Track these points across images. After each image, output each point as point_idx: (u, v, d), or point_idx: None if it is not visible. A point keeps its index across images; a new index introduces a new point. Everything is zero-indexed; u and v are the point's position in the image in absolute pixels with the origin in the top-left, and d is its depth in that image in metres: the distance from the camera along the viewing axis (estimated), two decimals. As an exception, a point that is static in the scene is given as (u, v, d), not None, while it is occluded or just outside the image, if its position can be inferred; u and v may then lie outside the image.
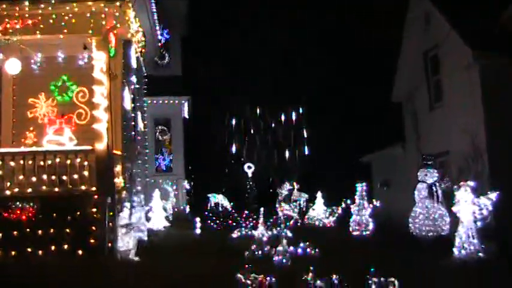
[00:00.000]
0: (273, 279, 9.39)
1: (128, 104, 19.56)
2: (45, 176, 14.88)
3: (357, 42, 33.26)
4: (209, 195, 26.99)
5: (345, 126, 33.31)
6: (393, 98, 25.22)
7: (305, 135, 29.97)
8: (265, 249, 14.16)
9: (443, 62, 22.01)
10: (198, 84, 30.97)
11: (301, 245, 14.34)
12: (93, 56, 15.27)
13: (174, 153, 28.09)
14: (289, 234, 18.35)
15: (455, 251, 14.43)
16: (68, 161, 15.09)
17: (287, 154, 31.59)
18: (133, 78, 21.12)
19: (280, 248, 13.45)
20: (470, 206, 14.46)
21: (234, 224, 21.65)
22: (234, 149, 29.85)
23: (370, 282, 9.39)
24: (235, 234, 19.07)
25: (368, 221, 20.60)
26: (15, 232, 14.38)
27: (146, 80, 26.06)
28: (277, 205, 24.90)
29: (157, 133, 28.00)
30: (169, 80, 27.41)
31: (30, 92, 17.69)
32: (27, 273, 12.77)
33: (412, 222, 18.48)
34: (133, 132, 20.73)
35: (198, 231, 20.40)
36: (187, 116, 30.44)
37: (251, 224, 20.84)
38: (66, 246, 14.38)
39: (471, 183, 14.67)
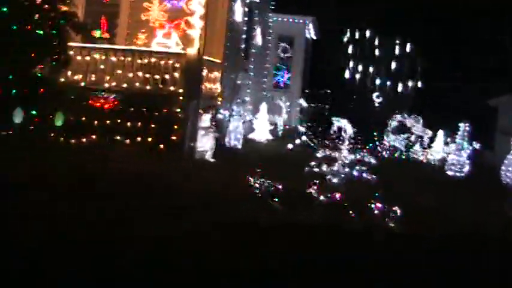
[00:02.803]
0: (280, 186, 10.02)
1: (239, 17, 20.33)
2: (140, 73, 16.27)
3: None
4: (334, 118, 27.40)
5: (473, 66, 31.73)
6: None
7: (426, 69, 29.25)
8: (323, 168, 14.59)
9: None
10: (325, 5, 30.82)
11: (357, 168, 14.62)
12: (194, -35, 16.01)
13: (293, 71, 28.62)
14: (373, 160, 18.51)
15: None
16: (163, 63, 16.33)
17: (408, 85, 31.07)
18: (252, -8, 21.79)
19: (335, 168, 13.89)
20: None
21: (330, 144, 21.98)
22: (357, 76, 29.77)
23: (372, 206, 9.68)
24: (319, 154, 19.55)
25: (464, 162, 20.10)
26: (107, 121, 15.97)
27: (274, -4, 26.62)
28: (384, 135, 24.98)
29: (279, 50, 28.59)
30: (296, -2, 27.74)
31: (146, -5, 18.95)
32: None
33: (503, 170, 17.95)
34: (243, 45, 21.57)
35: (290, 146, 21.07)
36: (314, 37, 30.60)
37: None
38: (150, 139, 15.78)
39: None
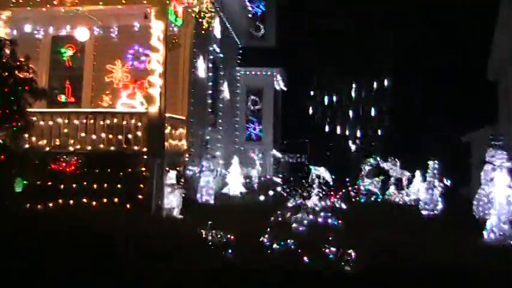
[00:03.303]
0: (231, 237, 10.00)
1: (202, 73, 20.57)
2: (103, 135, 16.33)
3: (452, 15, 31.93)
4: (311, 167, 27.47)
5: (442, 105, 32.23)
6: (488, 75, 24.08)
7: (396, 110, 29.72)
8: (288, 216, 14.58)
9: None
10: (292, 56, 31.38)
11: (322, 214, 14.61)
12: (151, 25, 16.19)
13: (264, 122, 28.83)
14: (344, 206, 18.57)
15: (485, 234, 13.96)
16: (125, 122, 16.42)
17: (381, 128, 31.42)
18: (216, 48, 22.08)
19: (299, 215, 13.89)
20: (505, 189, 13.91)
21: (305, 193, 21.93)
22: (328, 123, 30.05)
23: (327, 251, 9.63)
24: (290, 204, 19.50)
25: (437, 200, 20.12)
26: (74, 185, 15.91)
27: (240, 51, 26.99)
28: (359, 180, 25.04)
29: (249, 103, 28.85)
30: (263, 51, 28.04)
31: (108, 58, 19.24)
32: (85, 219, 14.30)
33: (475, 205, 17.92)
34: (209, 100, 21.76)
35: (262, 197, 21.04)
36: (283, 88, 30.97)
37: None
38: (116, 200, 15.71)
39: (508, 163, 14.07)
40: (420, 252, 11.26)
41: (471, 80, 29.13)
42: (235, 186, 22.57)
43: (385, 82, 33.23)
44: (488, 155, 17.70)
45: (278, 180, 27.15)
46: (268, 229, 10.63)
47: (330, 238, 9.88)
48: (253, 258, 9.30)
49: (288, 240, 10.00)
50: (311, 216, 14.31)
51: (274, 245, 9.88)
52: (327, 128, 34.06)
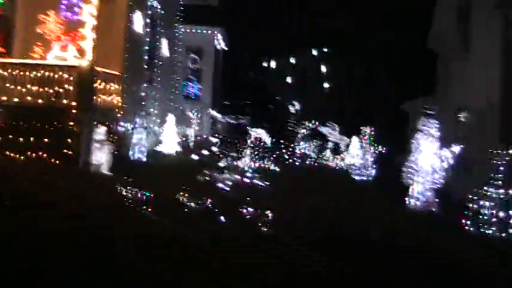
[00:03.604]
0: (148, 194, 9.92)
1: (139, 28, 20.10)
2: (31, 87, 15.78)
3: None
4: (250, 129, 27.45)
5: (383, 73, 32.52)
6: (429, 44, 24.22)
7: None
8: (214, 175, 14.53)
9: (473, 8, 20.82)
10: (234, 16, 31.03)
11: (249, 175, 14.63)
12: (86, -25, 15.64)
13: (203, 82, 28.63)
14: (276, 168, 18.64)
15: (410, 201, 14.25)
16: (55, 75, 15.90)
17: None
18: (155, 3, 21.59)
19: (226, 175, 13.86)
20: (432, 157, 14.17)
21: (238, 154, 21.88)
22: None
23: (243, 210, 9.62)
24: (221, 163, 19.45)
25: (370, 166, 20.45)
26: (-1, 137, 15.43)
27: (181, 8, 26.45)
28: (295, 143, 25.17)
29: (188, 61, 28.51)
30: (204, 9, 27.64)
31: (41, 7, 18.46)
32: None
33: (405, 172, 18.25)
34: (146, 57, 21.32)
35: (196, 157, 20.94)
36: (225, 48, 30.70)
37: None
38: (44, 155, 15.32)
39: (434, 132, 14.33)
40: (356, 218, 11.41)
41: (415, 50, 29.39)
42: (170, 145, 22.31)
43: (325, 49, 33.28)
44: (420, 124, 18.04)
45: (214, 140, 27.06)
46: (189, 188, 10.53)
47: (248, 199, 9.85)
48: (169, 218, 9.16)
49: (206, 200, 9.93)
50: (238, 177, 14.28)
51: (192, 204, 9.80)
52: (267, 91, 34.03)
